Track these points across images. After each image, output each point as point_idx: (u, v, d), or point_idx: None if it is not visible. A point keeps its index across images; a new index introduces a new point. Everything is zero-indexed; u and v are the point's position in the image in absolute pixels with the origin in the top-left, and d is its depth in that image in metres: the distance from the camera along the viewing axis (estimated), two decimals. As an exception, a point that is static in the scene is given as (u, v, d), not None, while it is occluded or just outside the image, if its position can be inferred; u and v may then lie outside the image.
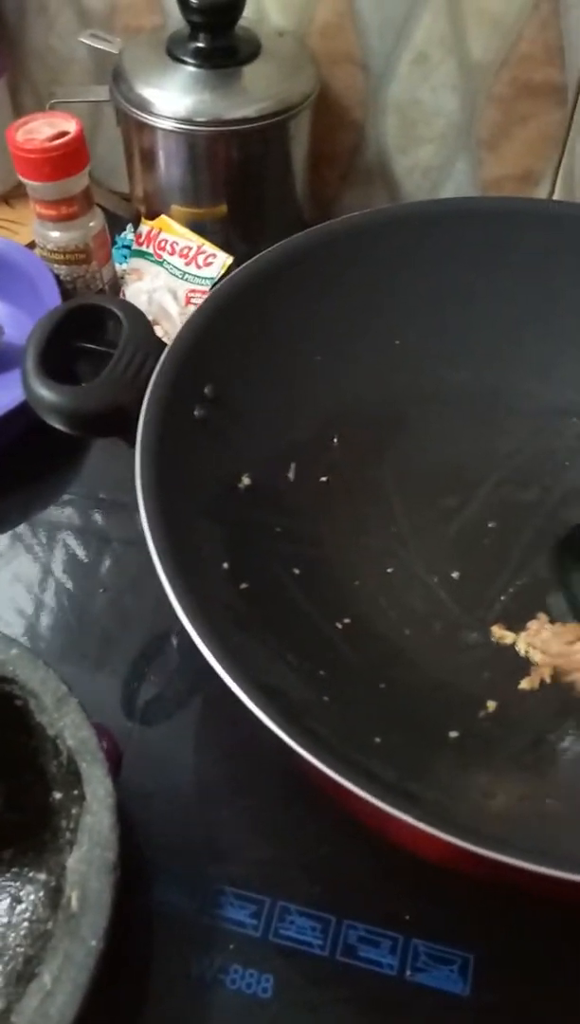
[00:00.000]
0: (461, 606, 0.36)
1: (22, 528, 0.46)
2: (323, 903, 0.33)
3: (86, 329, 0.36)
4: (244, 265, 0.37)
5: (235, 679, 0.25)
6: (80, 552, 0.44)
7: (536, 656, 0.33)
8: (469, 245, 0.40)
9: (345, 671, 0.32)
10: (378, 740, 0.29)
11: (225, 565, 0.32)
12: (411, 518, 0.38)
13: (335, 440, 0.39)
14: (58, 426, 0.33)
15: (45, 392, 0.32)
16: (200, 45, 0.48)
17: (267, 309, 0.38)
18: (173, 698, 0.39)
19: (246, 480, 0.36)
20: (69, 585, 0.43)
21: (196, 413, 0.34)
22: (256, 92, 0.48)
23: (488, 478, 0.39)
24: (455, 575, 0.37)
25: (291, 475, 0.38)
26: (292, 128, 0.49)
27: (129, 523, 0.45)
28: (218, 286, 0.36)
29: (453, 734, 0.31)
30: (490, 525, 0.38)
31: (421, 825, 0.22)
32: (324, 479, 0.39)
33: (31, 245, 0.56)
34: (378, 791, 0.22)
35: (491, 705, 0.32)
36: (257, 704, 0.24)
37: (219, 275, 0.50)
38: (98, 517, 0.46)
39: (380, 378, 0.40)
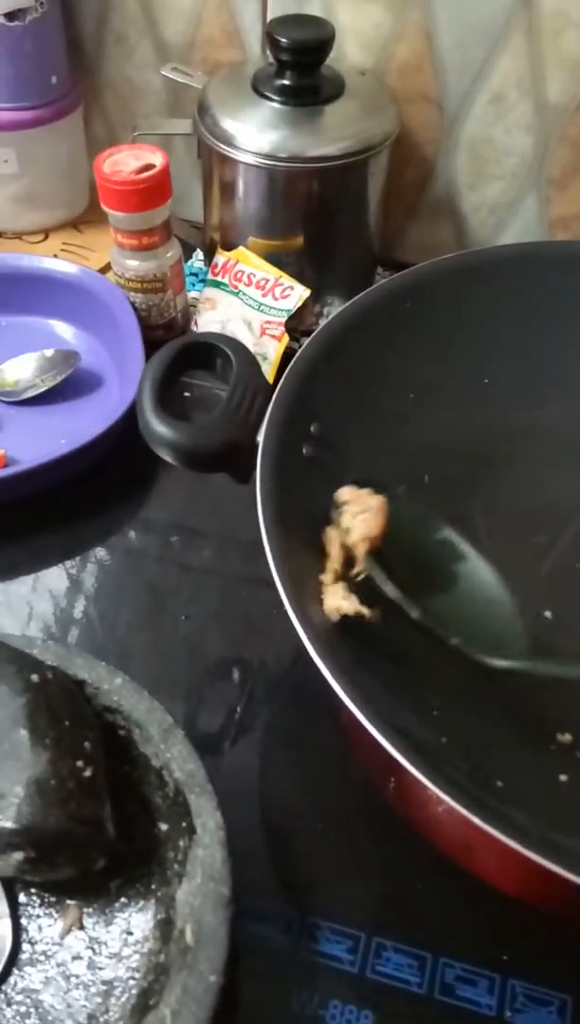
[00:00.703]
0: (556, 647, 0.36)
1: (100, 552, 0.46)
2: (418, 940, 0.34)
3: (188, 363, 0.37)
4: (343, 307, 0.38)
5: (378, 727, 0.25)
6: (155, 578, 0.45)
7: None
8: (562, 289, 0.41)
9: (457, 712, 0.32)
10: (500, 784, 0.29)
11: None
12: (502, 556, 0.39)
13: (426, 476, 0.40)
14: (171, 461, 0.34)
15: (163, 429, 0.33)
16: (286, 83, 0.49)
17: (364, 349, 0.38)
18: (237, 726, 0.39)
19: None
20: (145, 610, 0.44)
21: (305, 451, 0.35)
22: (338, 130, 0.49)
23: (577, 517, 0.40)
24: (548, 615, 0.37)
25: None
26: (371, 166, 0.50)
27: (204, 550, 0.46)
28: (319, 328, 0.37)
29: (563, 778, 0.31)
30: (576, 564, 0.39)
31: (571, 876, 0.22)
32: (417, 516, 0.39)
33: (103, 270, 0.57)
34: (529, 843, 0.23)
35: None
36: (398, 749, 0.25)
37: (296, 307, 0.50)
38: (173, 544, 0.46)
39: (470, 416, 0.41)
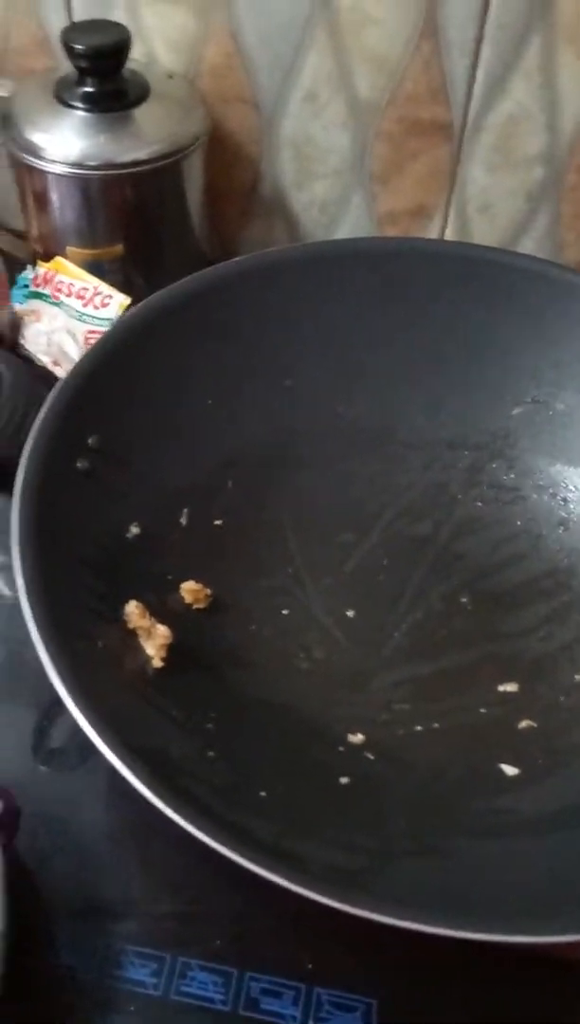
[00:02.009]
0: (356, 645, 0.36)
1: None
2: (225, 956, 0.33)
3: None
4: (127, 312, 0.37)
5: (107, 740, 0.25)
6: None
7: None
8: (357, 285, 0.41)
9: (235, 722, 0.32)
10: (263, 794, 0.29)
11: (106, 618, 0.32)
12: (307, 557, 0.38)
13: (230, 483, 0.39)
14: None
15: None
16: (88, 89, 0.48)
17: (154, 354, 0.38)
18: (75, 750, 0.38)
19: (135, 529, 0.36)
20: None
21: (79, 465, 0.34)
22: (147, 135, 0.48)
23: (383, 513, 0.40)
24: (350, 613, 0.37)
25: (184, 520, 0.38)
26: (185, 168, 0.50)
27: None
28: (101, 336, 0.36)
29: (344, 780, 0.31)
30: (384, 562, 0.39)
31: (292, 886, 0.22)
32: (219, 522, 0.39)
33: None
34: (246, 851, 0.22)
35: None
36: (129, 767, 0.24)
37: (116, 316, 0.49)
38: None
39: (273, 418, 0.40)
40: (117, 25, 0.47)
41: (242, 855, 0.22)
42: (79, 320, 0.50)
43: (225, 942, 0.33)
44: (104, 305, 0.50)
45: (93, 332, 0.50)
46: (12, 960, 0.29)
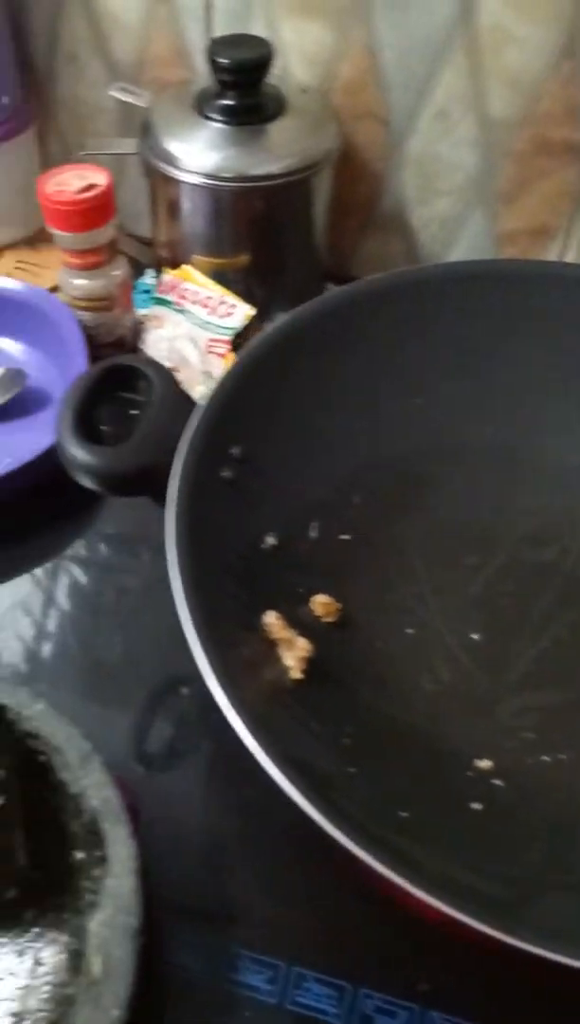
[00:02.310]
0: (482, 669, 0.36)
1: (40, 572, 0.46)
2: (339, 970, 0.33)
3: (114, 386, 0.37)
4: (270, 328, 0.38)
5: (266, 751, 0.25)
6: (97, 598, 0.45)
7: None
8: (490, 305, 0.41)
9: (369, 739, 0.32)
10: (405, 815, 0.29)
11: (247, 626, 0.33)
12: (432, 577, 0.38)
13: (356, 498, 0.40)
14: (89, 486, 0.34)
15: (80, 453, 0.33)
16: (228, 103, 0.49)
17: (292, 369, 0.38)
18: (182, 748, 0.39)
19: (271, 540, 0.36)
20: (86, 632, 0.43)
21: (224, 474, 0.35)
22: (281, 149, 0.49)
23: (509, 536, 0.40)
24: (476, 636, 0.37)
25: (314, 534, 0.38)
26: (314, 183, 0.50)
27: (146, 570, 0.46)
28: (244, 349, 0.37)
29: (476, 806, 0.31)
30: (510, 586, 0.38)
31: (460, 915, 0.22)
32: (346, 537, 0.39)
33: (53, 289, 0.57)
34: (411, 875, 0.22)
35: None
36: (289, 779, 0.24)
37: (241, 325, 0.50)
38: (117, 562, 0.46)
39: (401, 436, 0.41)
40: (260, 40, 0.48)
41: (404, 877, 0.22)
42: (202, 328, 0.51)
43: (339, 956, 0.33)
44: (228, 314, 0.50)
45: (216, 340, 0.51)
46: (147, 960, 0.30)
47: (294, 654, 0.32)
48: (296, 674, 0.32)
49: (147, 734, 0.40)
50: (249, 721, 0.26)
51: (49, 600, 0.45)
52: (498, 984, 0.32)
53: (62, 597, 0.45)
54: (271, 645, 0.33)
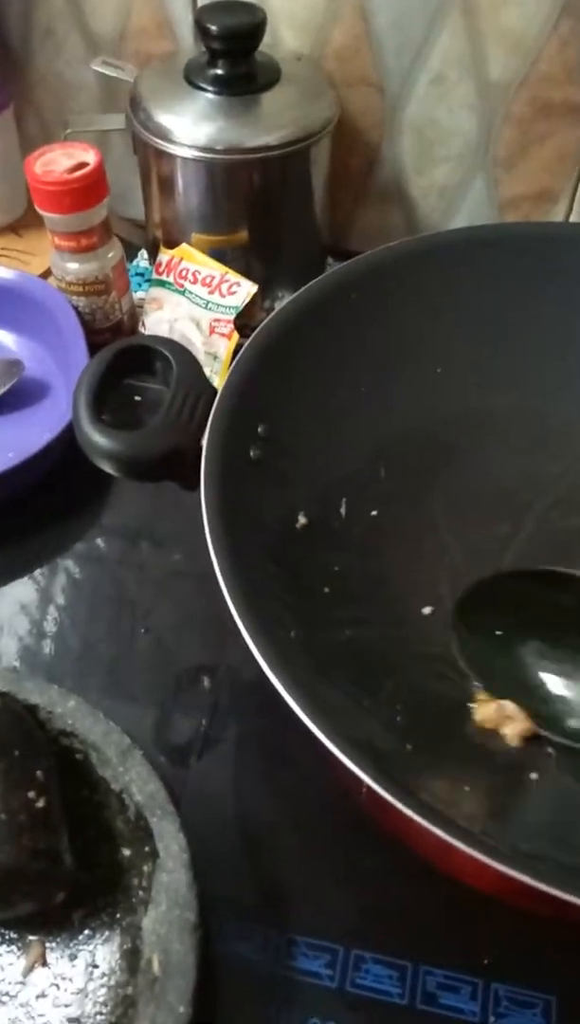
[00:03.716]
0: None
1: (60, 563, 0.45)
2: (398, 949, 0.33)
3: (127, 368, 0.36)
4: (287, 302, 0.37)
5: (330, 737, 0.24)
6: (105, 593, 0.43)
7: None
8: (509, 271, 0.40)
9: (418, 713, 0.31)
10: (467, 788, 0.28)
11: (290, 607, 0.32)
12: (464, 548, 0.38)
13: (383, 472, 0.39)
14: (112, 472, 0.33)
15: (100, 439, 0.31)
16: (219, 72, 0.47)
17: (310, 344, 0.37)
18: (206, 737, 0.38)
19: (302, 519, 0.35)
20: (104, 620, 0.42)
21: (252, 454, 0.34)
22: (276, 119, 0.47)
23: (539, 503, 0.39)
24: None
25: (343, 511, 0.37)
26: (313, 154, 0.49)
27: (168, 555, 0.45)
28: (263, 325, 0.36)
29: (534, 776, 0.30)
30: (542, 553, 0.38)
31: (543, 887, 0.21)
32: (374, 513, 0.38)
33: (44, 275, 0.55)
34: (486, 851, 0.22)
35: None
36: (355, 761, 0.24)
37: (243, 303, 0.49)
38: (136, 550, 0.45)
39: (425, 406, 0.40)
40: (251, 6, 0.47)
41: (490, 855, 0.22)
42: (204, 308, 0.50)
43: (396, 935, 0.33)
44: (231, 293, 0.49)
45: (218, 320, 0.50)
46: (206, 952, 0.29)
47: None
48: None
49: (170, 727, 0.39)
50: (308, 704, 0.25)
51: (52, 597, 0.43)
52: (562, 953, 0.32)
53: (69, 594, 0.43)
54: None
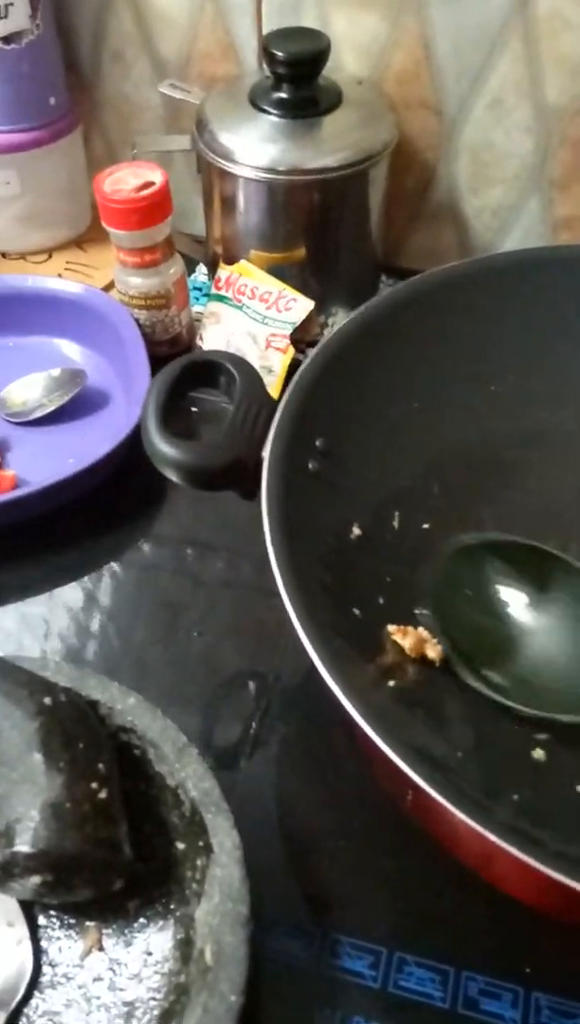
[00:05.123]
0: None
1: (114, 568, 0.46)
2: (440, 954, 0.34)
3: (192, 381, 0.37)
4: (346, 320, 0.38)
5: (385, 739, 0.25)
6: (169, 593, 0.45)
7: None
8: (561, 290, 0.41)
9: (467, 720, 0.32)
10: (516, 797, 0.29)
11: (348, 616, 0.33)
12: (513, 564, 0.38)
13: (435, 487, 0.40)
14: (176, 480, 0.34)
15: (168, 449, 0.33)
16: (283, 96, 0.49)
17: (368, 362, 0.38)
18: (255, 740, 0.39)
19: (356, 530, 0.36)
20: (157, 625, 0.44)
21: (310, 466, 0.35)
22: (337, 142, 0.49)
23: (587, 521, 0.40)
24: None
25: (396, 523, 0.38)
26: (371, 175, 0.50)
27: (216, 563, 0.46)
28: (323, 342, 0.37)
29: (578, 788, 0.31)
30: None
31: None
32: (426, 526, 0.39)
33: (106, 288, 0.57)
34: (545, 859, 0.23)
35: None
36: (412, 767, 0.25)
37: (301, 319, 0.50)
38: (186, 558, 0.47)
39: (478, 423, 0.41)
40: (316, 33, 0.48)
41: (536, 859, 0.22)
42: (261, 323, 0.51)
43: (441, 940, 0.34)
44: (288, 309, 0.51)
45: (275, 335, 0.51)
46: (258, 947, 0.30)
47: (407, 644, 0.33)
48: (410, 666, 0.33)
49: (218, 730, 0.40)
50: (366, 711, 0.26)
51: (104, 601, 0.45)
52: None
53: (122, 598, 0.45)
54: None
